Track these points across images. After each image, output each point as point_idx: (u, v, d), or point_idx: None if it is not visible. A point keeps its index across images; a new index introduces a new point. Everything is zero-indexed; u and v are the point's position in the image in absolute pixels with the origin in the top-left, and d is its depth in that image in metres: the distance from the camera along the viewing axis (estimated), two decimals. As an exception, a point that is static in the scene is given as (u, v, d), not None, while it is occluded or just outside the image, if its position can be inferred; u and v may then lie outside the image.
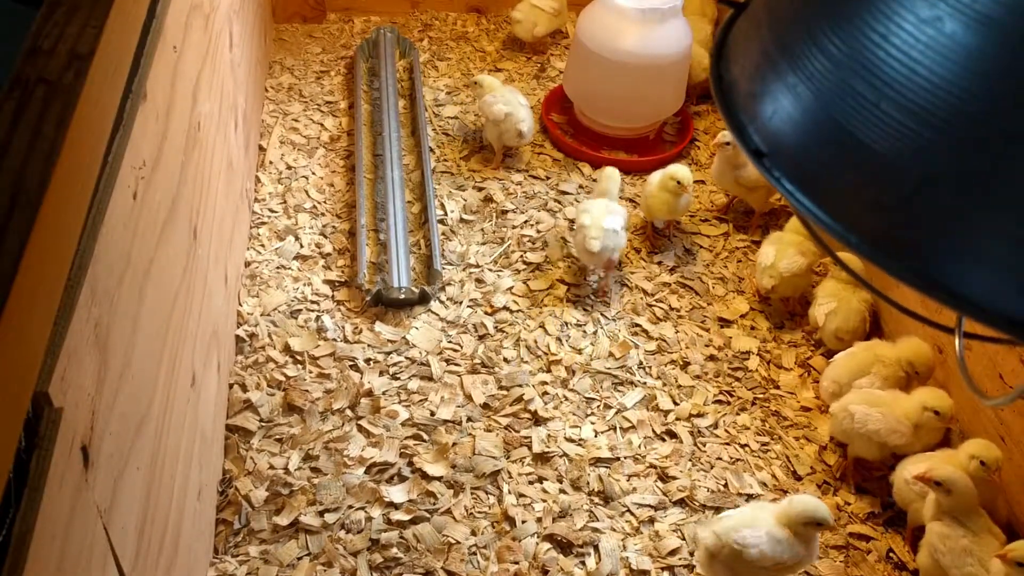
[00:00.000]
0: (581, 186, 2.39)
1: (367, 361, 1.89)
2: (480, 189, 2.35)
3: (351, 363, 1.88)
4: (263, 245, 2.13)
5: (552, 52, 2.88)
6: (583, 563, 1.60)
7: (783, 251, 2.01)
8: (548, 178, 2.41)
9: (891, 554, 1.64)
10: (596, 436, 1.80)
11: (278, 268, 2.08)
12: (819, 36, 0.57)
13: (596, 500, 1.70)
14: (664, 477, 1.75)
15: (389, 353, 1.91)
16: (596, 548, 1.62)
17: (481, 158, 2.45)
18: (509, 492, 1.69)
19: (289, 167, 2.37)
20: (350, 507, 1.63)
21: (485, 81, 2.37)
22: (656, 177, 2.16)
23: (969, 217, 0.50)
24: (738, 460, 1.78)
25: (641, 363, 1.95)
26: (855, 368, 1.80)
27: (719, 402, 1.90)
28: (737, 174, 2.21)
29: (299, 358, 1.89)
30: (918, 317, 0.86)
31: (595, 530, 1.65)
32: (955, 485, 1.49)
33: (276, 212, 2.23)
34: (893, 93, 0.52)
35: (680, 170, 2.12)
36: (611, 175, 2.11)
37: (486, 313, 2.02)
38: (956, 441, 1.70)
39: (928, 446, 1.68)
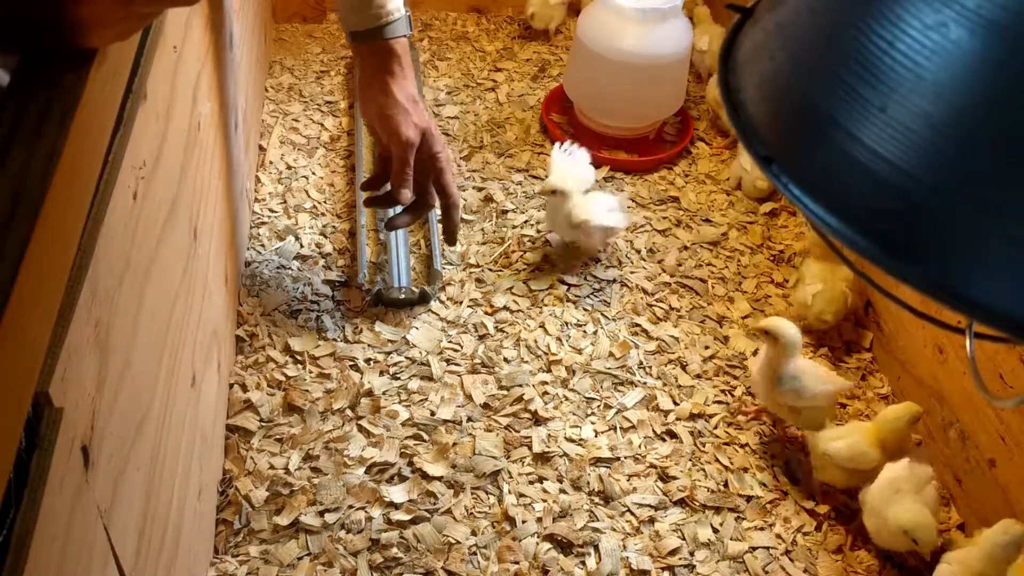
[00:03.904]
0: (581, 186, 2.39)
1: (367, 361, 1.89)
2: (480, 189, 2.35)
3: (351, 363, 1.88)
4: (263, 245, 2.13)
5: (552, 53, 2.87)
6: (583, 563, 1.60)
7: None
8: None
9: (891, 554, 1.64)
10: (596, 436, 1.80)
11: (278, 268, 2.08)
12: (824, 41, 0.57)
13: (596, 500, 1.70)
14: (664, 477, 1.75)
15: (389, 353, 1.91)
16: (596, 548, 1.62)
17: (481, 158, 2.44)
18: (509, 492, 1.69)
19: (289, 167, 2.36)
20: (350, 507, 1.63)
21: None
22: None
23: (978, 222, 0.51)
24: (738, 460, 1.78)
25: (641, 363, 1.95)
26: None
27: (719, 402, 1.90)
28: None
29: (299, 358, 1.89)
30: (924, 316, 0.86)
31: (595, 530, 1.65)
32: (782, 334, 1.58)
33: (276, 212, 2.23)
34: (899, 98, 0.52)
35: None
36: None
37: (486, 313, 2.02)
38: (955, 440, 1.70)
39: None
